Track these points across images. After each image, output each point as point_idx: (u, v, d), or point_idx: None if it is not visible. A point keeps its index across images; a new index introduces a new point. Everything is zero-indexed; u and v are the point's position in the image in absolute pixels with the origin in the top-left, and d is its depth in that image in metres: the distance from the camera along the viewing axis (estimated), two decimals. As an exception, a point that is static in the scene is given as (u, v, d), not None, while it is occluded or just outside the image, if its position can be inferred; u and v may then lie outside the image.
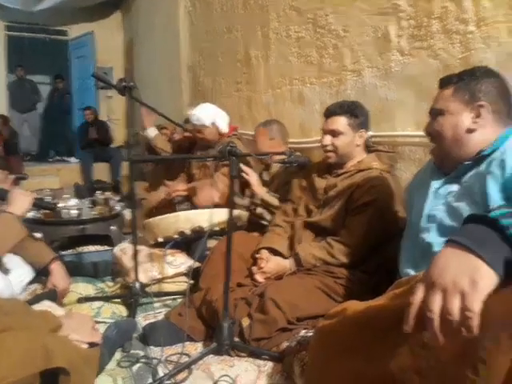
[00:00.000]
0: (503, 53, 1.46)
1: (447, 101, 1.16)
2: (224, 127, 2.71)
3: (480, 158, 1.10)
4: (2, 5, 6.13)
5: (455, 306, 0.63)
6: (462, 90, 1.15)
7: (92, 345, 1.39)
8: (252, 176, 2.18)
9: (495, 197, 1.01)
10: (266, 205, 2.11)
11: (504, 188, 1.01)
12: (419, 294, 0.68)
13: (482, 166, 1.09)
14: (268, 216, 2.11)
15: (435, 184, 1.21)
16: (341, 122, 1.72)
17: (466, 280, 0.63)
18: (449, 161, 1.19)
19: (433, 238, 1.15)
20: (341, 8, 2.21)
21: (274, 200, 2.10)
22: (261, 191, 2.14)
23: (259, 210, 2.13)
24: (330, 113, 1.76)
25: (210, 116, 2.67)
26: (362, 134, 1.75)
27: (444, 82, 1.21)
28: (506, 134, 1.10)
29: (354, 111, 1.72)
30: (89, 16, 6.95)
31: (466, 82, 1.15)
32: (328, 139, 1.74)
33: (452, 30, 1.64)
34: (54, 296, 1.77)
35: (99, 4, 6.70)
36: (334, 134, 1.73)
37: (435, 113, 1.20)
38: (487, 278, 0.63)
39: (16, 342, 1.08)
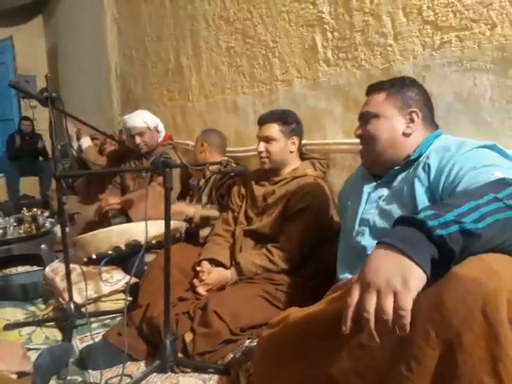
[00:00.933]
0: (418, 65, 1.57)
1: (381, 105, 1.21)
2: (162, 135, 2.67)
3: (408, 162, 1.16)
4: None
5: (389, 305, 0.65)
6: (394, 96, 1.20)
7: (21, 374, 1.30)
8: (179, 206, 2.16)
9: (422, 199, 1.07)
10: (207, 220, 2.11)
11: (430, 190, 1.07)
12: (355, 295, 0.70)
13: (410, 170, 1.15)
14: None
15: (367, 189, 1.25)
16: (273, 129, 1.79)
17: (399, 279, 0.66)
18: (379, 164, 1.23)
19: (367, 241, 1.19)
20: (268, 19, 2.27)
21: (213, 212, 2.10)
22: (196, 211, 2.13)
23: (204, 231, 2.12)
24: (263, 120, 1.84)
25: (154, 120, 2.61)
26: (295, 141, 1.81)
27: (375, 88, 1.26)
28: (430, 139, 1.17)
29: (286, 118, 1.80)
30: (6, 20, 6.51)
31: (398, 88, 1.21)
32: (262, 146, 1.81)
33: (373, 43, 1.74)
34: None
35: (18, 8, 6.31)
36: (268, 140, 1.80)
37: (369, 116, 1.22)
38: (417, 277, 0.66)
39: None
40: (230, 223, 1.94)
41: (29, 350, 1.54)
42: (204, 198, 2.28)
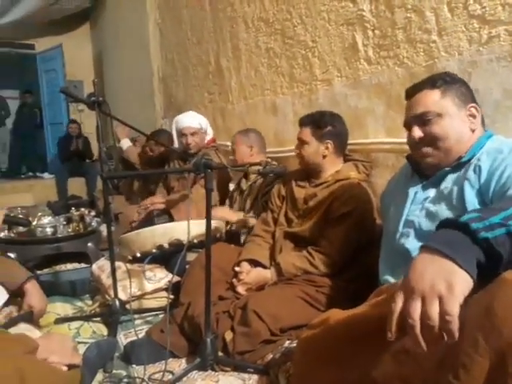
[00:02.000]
0: (464, 61, 1.52)
1: (439, 103, 1.14)
2: (209, 137, 2.75)
3: (459, 164, 1.13)
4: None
5: (434, 310, 0.64)
6: (451, 93, 1.15)
7: (71, 367, 1.36)
8: (222, 211, 2.19)
9: (472, 201, 1.04)
10: (245, 227, 2.13)
11: (480, 193, 1.04)
12: (399, 301, 0.69)
13: (461, 172, 1.11)
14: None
15: (413, 189, 1.22)
16: (306, 132, 1.80)
17: (443, 284, 0.64)
18: (445, 163, 1.16)
19: (411, 243, 1.16)
20: (308, 19, 2.26)
21: (253, 221, 2.11)
22: (236, 218, 2.15)
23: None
24: (299, 123, 1.85)
25: (206, 122, 2.69)
26: (328, 146, 1.77)
27: (422, 87, 1.19)
28: (481, 141, 1.13)
29: (319, 122, 1.77)
30: (56, 29, 6.84)
31: (451, 84, 1.16)
32: (298, 147, 1.83)
33: (416, 40, 1.69)
34: (31, 317, 1.72)
35: (67, 17, 6.61)
36: (301, 143, 1.81)
37: (429, 116, 1.15)
38: (463, 281, 0.65)
39: None
40: (269, 224, 1.93)
41: (77, 343, 1.60)
42: (248, 203, 2.28)
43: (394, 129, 1.81)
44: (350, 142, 1.92)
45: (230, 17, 3.04)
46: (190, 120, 2.64)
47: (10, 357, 1.14)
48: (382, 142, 1.88)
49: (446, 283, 0.64)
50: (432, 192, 1.17)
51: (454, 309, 0.63)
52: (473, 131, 1.15)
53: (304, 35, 2.30)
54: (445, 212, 1.09)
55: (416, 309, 0.66)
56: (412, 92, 1.22)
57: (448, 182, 1.14)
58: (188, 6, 3.70)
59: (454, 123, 1.14)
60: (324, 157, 1.79)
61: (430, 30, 1.63)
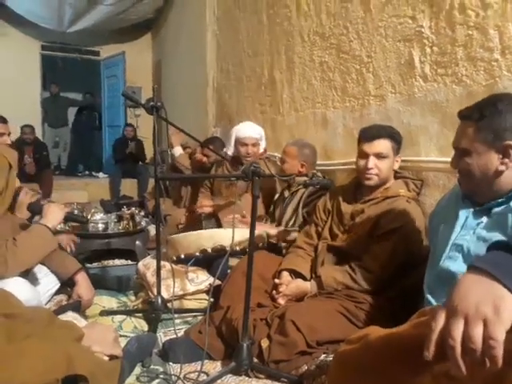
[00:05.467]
0: (528, 81, 1.47)
1: (471, 140, 1.11)
2: (262, 149, 2.82)
3: None
4: (38, 25, 6.47)
5: (478, 333, 0.61)
6: (485, 130, 1.08)
7: (112, 357, 1.41)
8: (263, 226, 2.19)
9: None
10: (285, 240, 2.14)
11: None
12: (440, 320, 0.66)
13: None
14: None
15: (464, 213, 1.18)
16: (386, 145, 1.71)
17: (490, 307, 0.61)
18: (477, 195, 1.16)
19: (458, 267, 1.13)
20: (364, 34, 2.25)
21: (293, 235, 2.10)
22: (275, 231, 2.15)
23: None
24: (373, 135, 1.72)
25: (263, 134, 2.78)
26: (398, 160, 1.77)
27: (464, 117, 1.16)
28: None
29: (395, 135, 1.75)
30: (120, 37, 7.24)
31: (489, 119, 1.09)
32: (372, 162, 1.70)
33: (476, 58, 1.65)
34: (79, 307, 1.82)
35: (130, 26, 6.97)
36: (379, 156, 1.71)
37: (461, 152, 1.14)
38: (511, 307, 0.62)
39: (38, 349, 1.10)
40: (312, 237, 1.93)
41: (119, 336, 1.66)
42: (289, 211, 2.28)
43: (447, 148, 1.75)
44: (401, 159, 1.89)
45: (286, 30, 3.08)
46: (252, 130, 2.73)
47: (60, 342, 1.22)
48: (434, 160, 1.83)
49: (493, 306, 0.61)
50: (484, 218, 1.13)
51: (500, 334, 0.60)
52: (500, 173, 1.08)
53: (359, 50, 2.30)
54: (500, 238, 1.04)
55: (458, 329, 0.63)
56: (458, 117, 1.19)
57: (502, 210, 1.09)
58: (246, 18, 3.79)
59: (480, 163, 1.10)
60: (393, 171, 1.77)
61: (492, 48, 1.59)
